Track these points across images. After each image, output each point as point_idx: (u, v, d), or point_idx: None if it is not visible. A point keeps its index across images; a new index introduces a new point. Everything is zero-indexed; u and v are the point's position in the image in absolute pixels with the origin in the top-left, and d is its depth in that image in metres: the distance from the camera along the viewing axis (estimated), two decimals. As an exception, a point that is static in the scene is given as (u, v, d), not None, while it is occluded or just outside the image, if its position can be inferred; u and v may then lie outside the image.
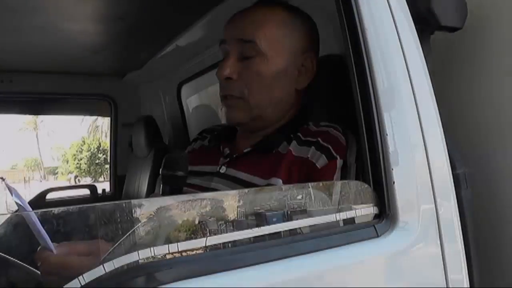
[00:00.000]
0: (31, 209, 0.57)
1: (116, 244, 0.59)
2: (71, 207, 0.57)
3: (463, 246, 0.91)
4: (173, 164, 0.97)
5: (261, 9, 1.09)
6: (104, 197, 2.95)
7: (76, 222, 0.59)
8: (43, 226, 0.58)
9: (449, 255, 0.88)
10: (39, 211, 0.57)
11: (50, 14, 1.75)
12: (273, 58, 1.05)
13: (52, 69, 2.56)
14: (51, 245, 0.60)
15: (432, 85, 0.96)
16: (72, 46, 2.18)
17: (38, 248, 0.62)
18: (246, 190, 0.74)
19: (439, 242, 0.88)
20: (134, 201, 0.61)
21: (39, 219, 0.57)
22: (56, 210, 0.56)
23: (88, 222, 0.59)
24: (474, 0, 1.09)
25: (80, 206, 0.58)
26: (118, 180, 2.91)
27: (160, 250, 0.61)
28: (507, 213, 1.10)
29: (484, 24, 1.12)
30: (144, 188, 2.49)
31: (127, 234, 0.60)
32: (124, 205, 0.60)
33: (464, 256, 0.91)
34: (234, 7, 1.14)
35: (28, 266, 0.63)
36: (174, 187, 0.96)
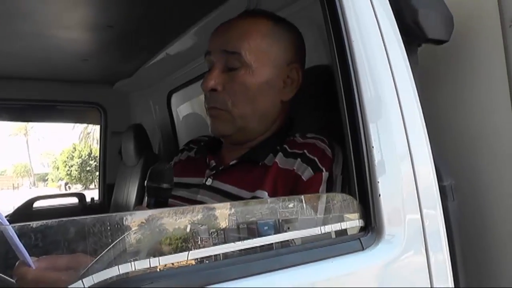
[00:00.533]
0: (8, 223, 0.56)
1: (96, 259, 0.58)
2: (50, 221, 0.56)
3: (449, 259, 0.91)
4: (158, 176, 0.96)
5: (247, 19, 1.08)
6: (93, 205, 2.93)
7: (55, 235, 0.58)
8: (21, 240, 0.57)
9: (435, 268, 0.88)
10: (17, 225, 0.56)
11: (39, 21, 1.75)
12: (258, 69, 1.03)
13: (42, 76, 2.56)
14: (29, 259, 0.59)
15: (419, 96, 0.96)
16: (62, 53, 2.18)
17: (17, 263, 0.61)
18: (230, 203, 0.73)
19: (425, 255, 0.87)
20: (115, 215, 0.60)
21: (17, 233, 0.56)
22: (34, 224, 0.55)
23: (68, 236, 0.58)
24: (461, 14, 1.10)
25: (59, 219, 0.57)
26: (107, 189, 2.89)
27: (141, 265, 0.60)
28: (492, 222, 1.11)
29: (470, 37, 1.13)
30: (133, 197, 2.47)
31: (108, 248, 0.59)
32: (104, 218, 0.60)
33: (451, 268, 0.91)
34: (225, 16, 1.13)
35: (6, 278, 0.62)
36: (159, 200, 0.95)
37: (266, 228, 0.73)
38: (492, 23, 1.08)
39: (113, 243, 0.59)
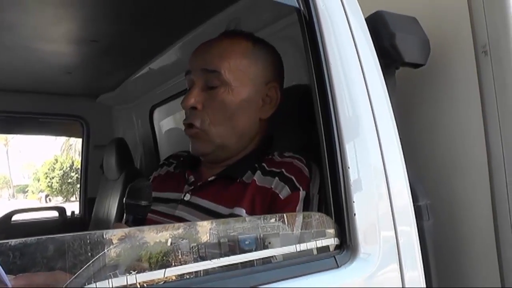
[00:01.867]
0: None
1: (74, 276, 0.58)
2: (29, 238, 0.56)
3: (423, 278, 0.93)
4: (136, 193, 0.97)
5: (226, 39, 1.11)
6: (73, 219, 2.89)
7: (34, 253, 0.58)
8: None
9: (409, 286, 0.89)
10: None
11: (24, 34, 1.75)
12: (237, 88, 1.06)
13: (25, 88, 2.53)
14: (6, 278, 0.59)
15: (395, 118, 0.99)
16: (45, 66, 2.17)
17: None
18: (206, 221, 0.74)
19: (399, 273, 0.89)
20: (93, 232, 0.61)
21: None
22: (13, 242, 0.56)
23: (47, 253, 0.58)
24: (437, 39, 1.13)
25: (39, 237, 0.57)
26: (88, 202, 2.86)
27: (118, 282, 0.61)
28: (467, 240, 1.13)
29: (445, 62, 1.16)
30: (113, 211, 2.45)
31: (86, 265, 0.59)
32: (83, 236, 0.60)
33: (425, 287, 0.93)
34: (207, 34, 1.15)
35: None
36: (137, 217, 0.96)
37: (240, 246, 0.74)
38: (466, 48, 1.12)
39: (92, 260, 0.60)
